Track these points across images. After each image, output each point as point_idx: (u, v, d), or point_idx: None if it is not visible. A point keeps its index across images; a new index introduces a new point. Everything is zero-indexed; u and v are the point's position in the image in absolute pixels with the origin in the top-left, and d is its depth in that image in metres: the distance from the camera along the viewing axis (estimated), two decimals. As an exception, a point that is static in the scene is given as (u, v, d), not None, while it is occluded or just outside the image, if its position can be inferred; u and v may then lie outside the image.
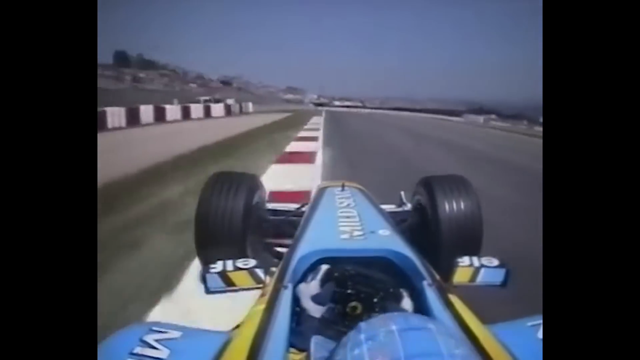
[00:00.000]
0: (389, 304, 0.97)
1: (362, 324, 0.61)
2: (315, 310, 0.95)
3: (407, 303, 1.01)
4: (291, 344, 0.84)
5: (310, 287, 0.99)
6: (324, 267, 1.04)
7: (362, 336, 0.58)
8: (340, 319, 0.96)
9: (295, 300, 0.98)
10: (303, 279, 1.08)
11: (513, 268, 1.18)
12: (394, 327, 0.58)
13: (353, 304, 0.96)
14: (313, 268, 1.14)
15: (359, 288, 0.97)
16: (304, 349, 0.86)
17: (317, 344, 0.85)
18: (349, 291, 0.97)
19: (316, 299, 0.97)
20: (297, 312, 0.96)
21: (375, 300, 0.97)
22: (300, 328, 0.91)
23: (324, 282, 1.01)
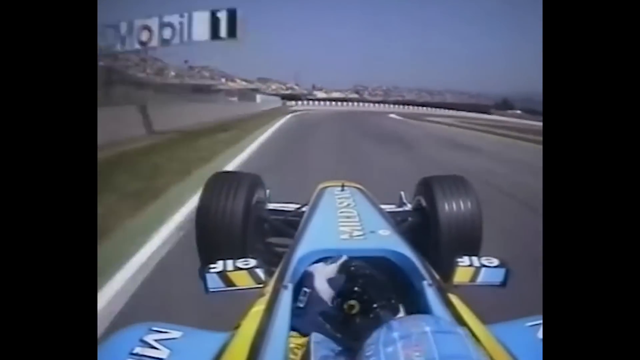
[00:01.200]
0: (384, 314, 0.98)
1: (394, 323, 0.63)
2: (326, 293, 0.96)
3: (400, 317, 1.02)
4: (293, 328, 0.84)
5: (328, 270, 1.01)
6: (345, 257, 1.06)
7: (396, 334, 0.60)
8: (337, 313, 0.96)
9: (305, 280, 0.99)
10: (302, 279, 1.08)
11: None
12: (427, 329, 0.59)
13: (352, 302, 0.96)
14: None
15: (366, 289, 0.98)
16: (306, 333, 0.87)
17: (317, 343, 0.85)
18: (356, 288, 0.98)
19: (331, 282, 0.98)
20: (305, 292, 0.97)
21: (374, 306, 0.97)
22: (306, 310, 0.92)
23: (341, 269, 1.02)
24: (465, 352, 0.56)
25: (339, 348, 0.87)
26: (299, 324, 0.89)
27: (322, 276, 0.99)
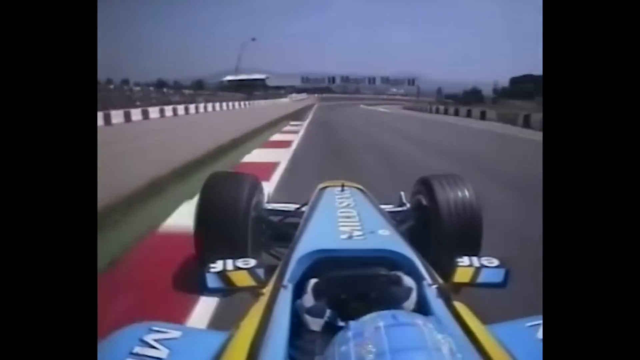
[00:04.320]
0: (388, 291, 0.96)
1: (352, 323, 0.63)
2: (314, 324, 0.94)
3: (408, 281, 1.01)
4: (292, 358, 0.83)
5: (304, 301, 0.98)
6: (312, 281, 1.03)
7: (350, 333, 0.60)
8: (345, 323, 0.95)
9: (295, 313, 0.97)
10: (303, 280, 1.08)
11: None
12: (381, 324, 0.60)
13: (353, 305, 0.95)
14: (312, 268, 1.14)
15: (351, 290, 0.97)
16: None
17: None
18: (342, 297, 0.97)
19: (311, 312, 0.95)
20: (297, 324, 0.95)
21: (372, 295, 0.96)
22: (301, 342, 0.91)
23: (316, 294, 0.99)
24: (420, 343, 0.56)
25: None
26: (297, 355, 0.88)
27: (302, 311, 0.96)
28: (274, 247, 2.23)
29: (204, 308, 2.05)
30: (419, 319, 0.63)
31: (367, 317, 0.64)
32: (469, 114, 24.11)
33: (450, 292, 1.01)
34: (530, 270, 1.49)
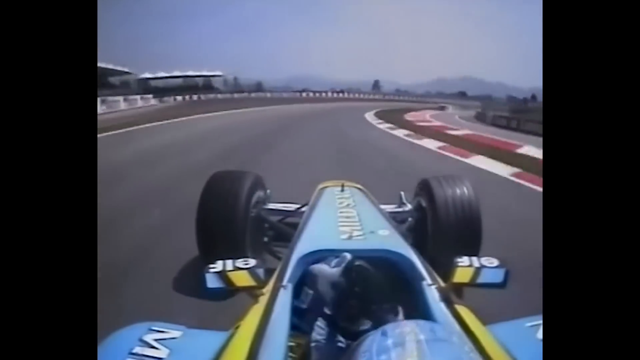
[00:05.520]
0: (383, 315, 0.98)
1: (388, 329, 0.62)
2: (329, 296, 0.97)
3: (400, 319, 1.02)
4: (294, 326, 0.84)
5: (332, 272, 1.01)
6: (349, 256, 1.06)
7: (390, 342, 0.58)
8: (336, 311, 0.96)
9: (308, 281, 1.00)
10: (306, 279, 1.08)
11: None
12: (422, 337, 0.58)
13: (352, 302, 0.96)
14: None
15: (366, 290, 0.98)
16: (306, 331, 0.87)
17: (317, 342, 0.85)
18: (356, 289, 0.98)
19: (334, 285, 0.99)
20: (308, 294, 0.97)
21: (373, 308, 0.97)
22: (308, 311, 0.93)
23: (344, 272, 1.03)
24: None
25: (338, 348, 0.87)
26: (301, 323, 0.89)
27: (325, 279, 0.99)
28: (274, 247, 2.23)
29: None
30: (455, 336, 0.63)
31: (404, 326, 0.63)
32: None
33: (450, 292, 1.01)
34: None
